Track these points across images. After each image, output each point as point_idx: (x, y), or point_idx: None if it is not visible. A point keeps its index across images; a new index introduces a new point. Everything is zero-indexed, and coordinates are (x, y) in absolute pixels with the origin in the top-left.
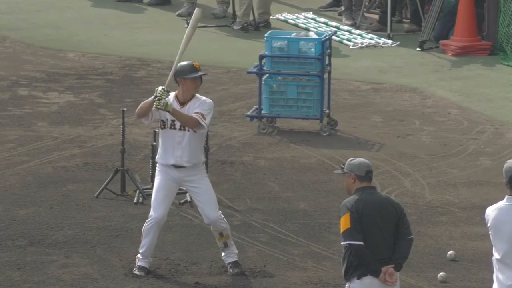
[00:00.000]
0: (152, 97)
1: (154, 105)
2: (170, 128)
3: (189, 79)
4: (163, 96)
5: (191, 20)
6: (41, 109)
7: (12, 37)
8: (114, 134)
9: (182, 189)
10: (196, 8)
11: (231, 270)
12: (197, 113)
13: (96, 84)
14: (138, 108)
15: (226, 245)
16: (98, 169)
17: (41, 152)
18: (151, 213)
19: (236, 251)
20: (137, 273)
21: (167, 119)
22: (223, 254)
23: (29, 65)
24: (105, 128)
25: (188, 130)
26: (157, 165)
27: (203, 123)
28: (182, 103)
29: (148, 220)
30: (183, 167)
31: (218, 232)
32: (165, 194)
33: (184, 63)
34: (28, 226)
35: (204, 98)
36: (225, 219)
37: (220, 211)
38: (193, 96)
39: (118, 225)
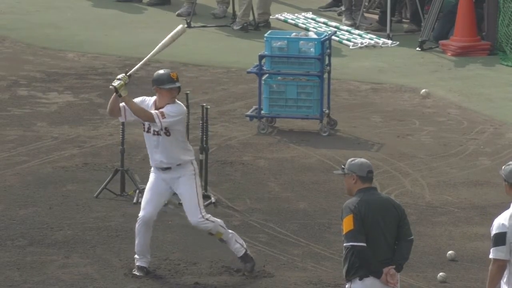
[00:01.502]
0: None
1: (111, 84)
2: (147, 132)
3: (165, 89)
4: (123, 79)
5: (173, 31)
6: (41, 109)
7: (12, 37)
8: (114, 134)
9: None
10: (182, 25)
11: (243, 267)
12: (158, 110)
13: (96, 84)
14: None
15: (222, 241)
16: (97, 169)
17: (41, 152)
18: (140, 212)
19: (239, 243)
20: (136, 273)
21: (143, 123)
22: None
23: (29, 65)
24: (105, 128)
25: (160, 135)
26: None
27: (157, 119)
28: (159, 109)
29: (138, 219)
30: (168, 168)
31: (207, 232)
32: (153, 194)
33: (161, 71)
34: (28, 226)
35: (178, 102)
36: (210, 218)
37: (204, 212)
38: (168, 103)
39: (117, 225)
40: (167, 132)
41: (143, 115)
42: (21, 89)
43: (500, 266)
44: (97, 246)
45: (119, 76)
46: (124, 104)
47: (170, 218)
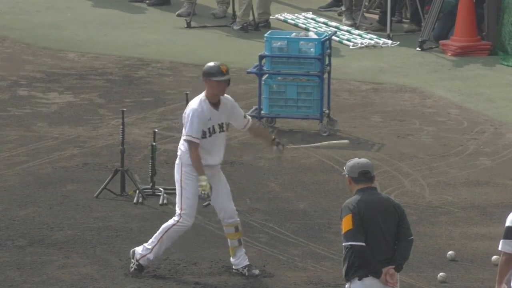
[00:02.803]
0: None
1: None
2: (214, 133)
3: (215, 81)
4: (206, 184)
5: (338, 142)
6: (41, 109)
7: (12, 37)
8: (114, 134)
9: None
10: (347, 141)
11: (250, 272)
12: (244, 116)
13: (96, 84)
14: (194, 161)
15: (240, 243)
16: (98, 169)
17: (41, 152)
18: (186, 219)
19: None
20: (136, 268)
21: (208, 129)
22: (233, 259)
23: (29, 65)
24: (105, 128)
25: (225, 130)
26: (189, 171)
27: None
28: (214, 105)
29: (179, 224)
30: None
31: (233, 227)
32: (196, 199)
33: (211, 64)
34: (28, 226)
35: (228, 97)
36: None
37: None
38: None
39: (118, 225)
40: (227, 127)
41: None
42: (21, 89)
43: (508, 259)
44: (97, 246)
45: (203, 184)
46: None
47: (170, 218)
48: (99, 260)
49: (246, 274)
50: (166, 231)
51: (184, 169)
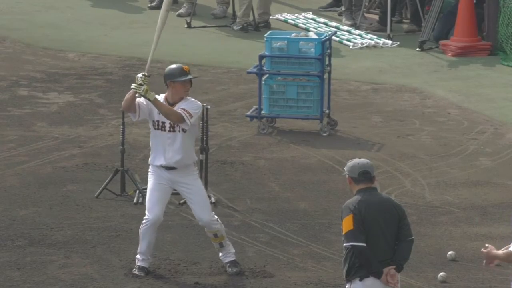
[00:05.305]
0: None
1: (132, 89)
2: (161, 129)
3: (179, 82)
4: (144, 82)
5: (163, 4)
6: (41, 109)
7: (12, 37)
8: (114, 134)
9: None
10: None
11: (229, 270)
12: (183, 109)
13: (96, 84)
14: (123, 100)
15: (221, 246)
16: (98, 169)
17: (41, 152)
18: (147, 214)
19: (233, 251)
20: (136, 273)
21: (157, 120)
22: (220, 254)
23: (29, 65)
24: (105, 128)
25: (179, 131)
26: (149, 166)
27: (187, 120)
28: (171, 105)
29: (144, 221)
30: (174, 168)
31: (212, 233)
32: (159, 194)
33: (173, 66)
34: (28, 226)
35: (192, 99)
36: (219, 220)
37: (213, 212)
38: (181, 98)
39: (118, 225)
40: (183, 128)
41: (174, 116)
42: (21, 89)
43: None
44: (97, 246)
45: (139, 80)
46: (139, 102)
47: (170, 218)
48: (99, 260)
49: (227, 270)
50: (139, 230)
51: (149, 167)
